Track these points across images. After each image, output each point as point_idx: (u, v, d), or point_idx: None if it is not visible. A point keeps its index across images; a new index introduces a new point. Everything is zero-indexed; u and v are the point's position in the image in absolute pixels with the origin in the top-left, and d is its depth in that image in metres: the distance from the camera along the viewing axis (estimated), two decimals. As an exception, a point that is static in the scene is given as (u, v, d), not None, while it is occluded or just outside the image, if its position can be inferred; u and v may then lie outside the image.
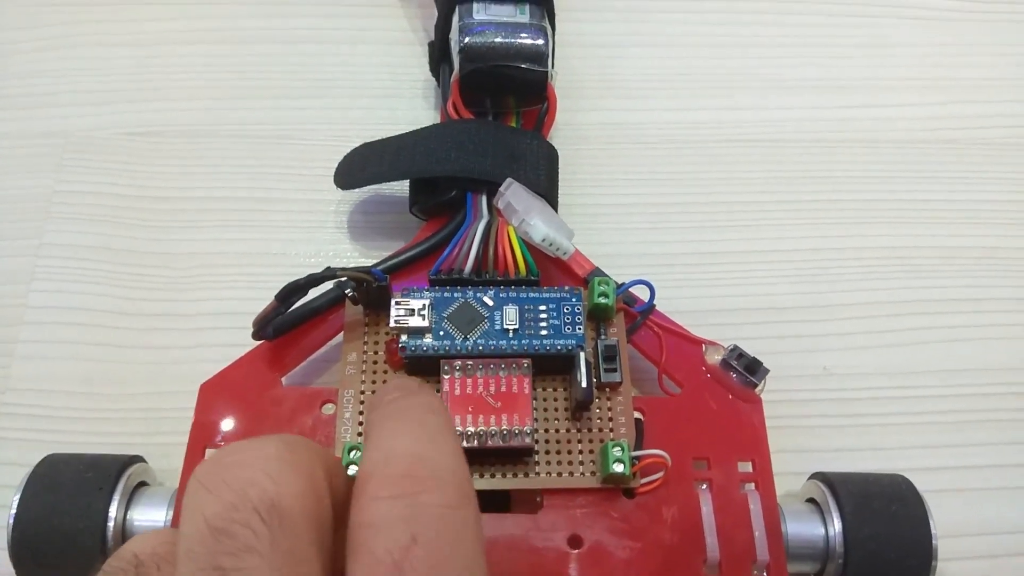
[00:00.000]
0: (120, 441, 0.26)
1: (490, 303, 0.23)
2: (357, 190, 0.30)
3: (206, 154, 0.31)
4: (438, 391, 0.22)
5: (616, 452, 0.22)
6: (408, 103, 0.32)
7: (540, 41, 0.27)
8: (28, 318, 0.28)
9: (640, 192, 0.31)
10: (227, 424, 0.23)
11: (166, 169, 0.30)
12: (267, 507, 0.14)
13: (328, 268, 0.23)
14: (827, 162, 0.32)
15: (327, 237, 0.30)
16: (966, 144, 0.33)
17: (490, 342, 0.23)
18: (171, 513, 0.22)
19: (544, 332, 0.23)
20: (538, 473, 0.22)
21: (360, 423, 0.22)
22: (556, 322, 0.23)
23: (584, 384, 0.22)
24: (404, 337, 0.23)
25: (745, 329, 0.28)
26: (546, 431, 0.23)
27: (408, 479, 0.14)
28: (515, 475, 0.22)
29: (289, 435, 0.16)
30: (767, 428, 0.24)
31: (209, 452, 0.23)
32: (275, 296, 0.23)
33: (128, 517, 0.22)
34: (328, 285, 0.24)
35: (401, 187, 0.29)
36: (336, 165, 0.28)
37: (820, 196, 0.31)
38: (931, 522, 0.22)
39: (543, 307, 0.23)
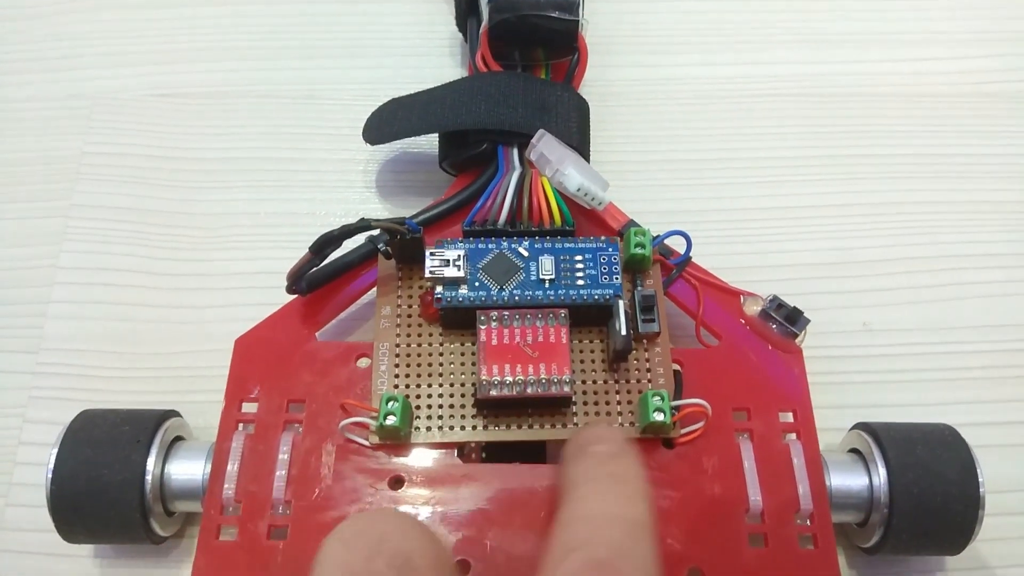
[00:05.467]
0: (153, 399, 0.25)
1: (525, 254, 0.23)
2: (386, 148, 0.30)
3: (234, 115, 0.31)
4: (475, 343, 0.22)
5: (656, 401, 0.21)
6: (435, 60, 0.32)
7: (571, -10, 0.26)
8: (60, 278, 0.28)
9: (672, 148, 0.30)
10: (263, 378, 0.23)
11: (194, 130, 0.30)
12: (402, 561, 0.14)
13: (362, 219, 0.22)
14: (864, 116, 0.31)
15: (356, 196, 0.29)
16: (1006, 97, 0.32)
17: (526, 292, 0.22)
18: (208, 467, 0.22)
19: (581, 282, 0.23)
20: (576, 424, 0.22)
21: (396, 375, 0.22)
22: (593, 272, 0.23)
23: (623, 332, 0.21)
24: (439, 288, 0.22)
25: (781, 285, 0.27)
26: (583, 382, 0.22)
27: (608, 571, 0.15)
28: (553, 426, 0.22)
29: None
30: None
31: (247, 408, 0.23)
32: (309, 248, 0.22)
33: (166, 471, 0.22)
34: (361, 239, 0.23)
35: (430, 145, 0.29)
36: (364, 123, 0.28)
37: (857, 151, 0.31)
38: (977, 467, 0.22)
39: (579, 257, 0.23)
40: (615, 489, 0.17)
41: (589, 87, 0.29)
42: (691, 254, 0.24)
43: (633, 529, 0.16)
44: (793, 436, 0.23)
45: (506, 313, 0.22)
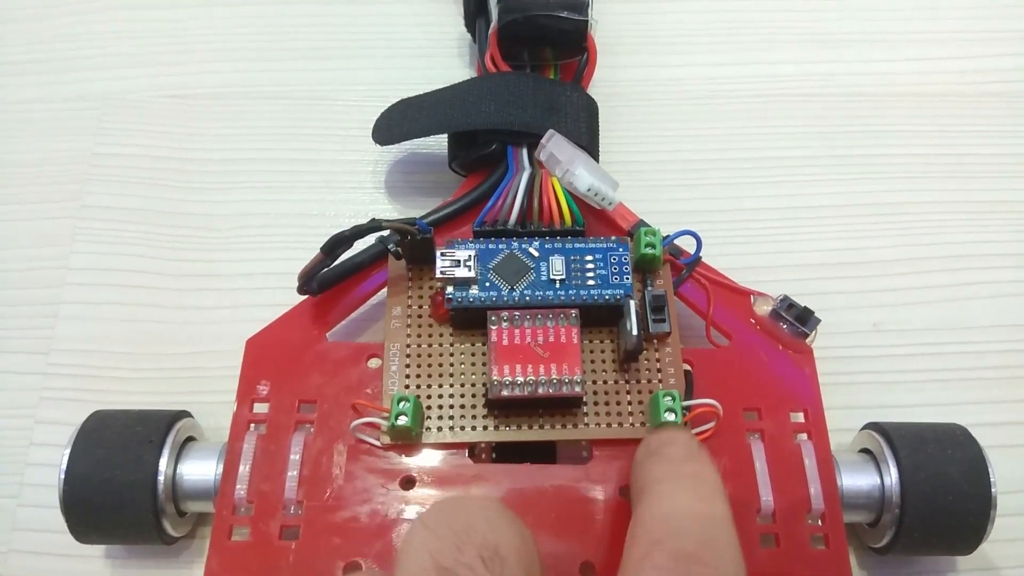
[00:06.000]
0: (164, 400, 0.26)
1: (536, 254, 0.23)
2: (395, 149, 0.30)
3: (243, 115, 0.31)
4: (485, 342, 0.22)
5: (667, 401, 0.21)
6: (444, 61, 0.32)
7: (580, -10, 0.26)
8: (70, 279, 0.28)
9: (679, 148, 0.30)
10: (274, 378, 0.23)
11: (203, 131, 0.30)
12: (490, 553, 0.14)
13: (373, 219, 0.22)
14: (872, 116, 0.31)
15: (365, 197, 0.29)
16: (1014, 97, 0.32)
17: (537, 293, 0.22)
18: (221, 467, 0.22)
19: (591, 282, 0.23)
20: (587, 424, 0.22)
21: (407, 375, 0.22)
22: (603, 272, 0.23)
23: (634, 332, 0.21)
24: (450, 289, 0.22)
25: (790, 286, 0.27)
26: (594, 382, 0.22)
27: (696, 563, 0.15)
28: (564, 426, 0.22)
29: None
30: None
31: (259, 408, 0.23)
32: (320, 248, 0.22)
33: (178, 471, 0.22)
34: (371, 240, 0.23)
35: (439, 146, 0.29)
36: (373, 124, 0.28)
37: (865, 151, 0.31)
38: (988, 465, 0.22)
39: (589, 257, 0.23)
40: (694, 487, 0.17)
41: (597, 87, 0.29)
42: (701, 254, 0.24)
43: (716, 523, 0.16)
44: (804, 436, 0.23)
45: (517, 313, 0.22)
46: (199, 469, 0.22)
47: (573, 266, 0.23)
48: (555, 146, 0.24)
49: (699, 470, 0.18)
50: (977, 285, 0.28)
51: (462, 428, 0.22)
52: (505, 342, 0.22)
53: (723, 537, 0.16)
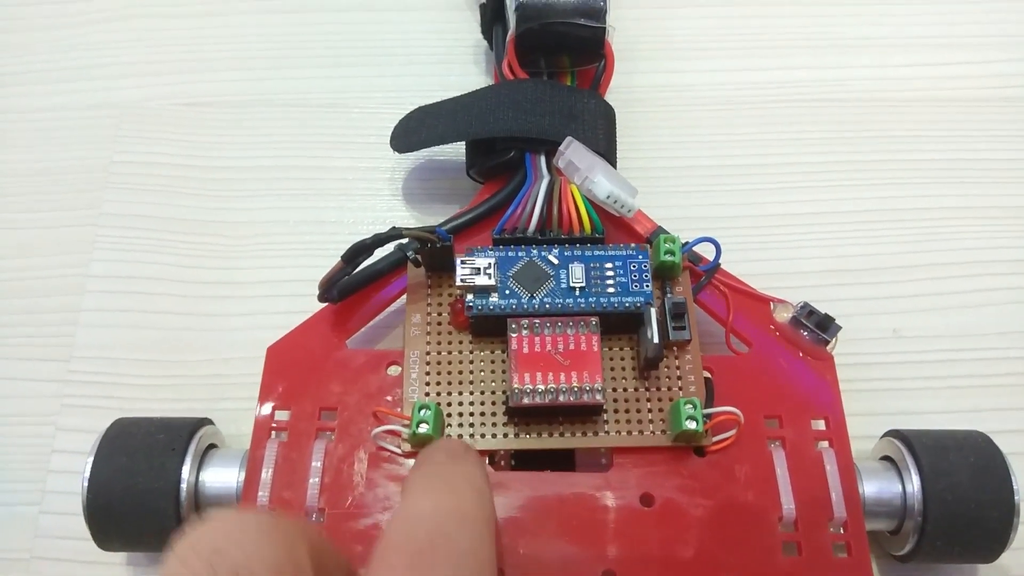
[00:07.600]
0: (185, 407, 0.26)
1: (555, 261, 0.23)
2: (412, 156, 0.30)
3: (260, 123, 0.31)
4: (505, 350, 0.22)
5: (688, 409, 0.21)
6: (460, 68, 0.32)
7: (597, -3, 0.26)
8: (90, 287, 0.28)
9: (698, 155, 0.30)
10: (295, 386, 0.23)
11: (221, 139, 0.31)
12: (247, 574, 0.14)
13: (394, 227, 0.22)
14: (889, 122, 0.31)
15: (383, 204, 0.29)
16: (1033, 102, 0.32)
17: (556, 300, 0.22)
18: (242, 475, 0.22)
19: (611, 290, 0.23)
20: (607, 432, 0.22)
21: (427, 383, 0.22)
22: (623, 279, 0.23)
23: (655, 340, 0.21)
24: (470, 296, 0.22)
25: (809, 292, 0.27)
26: (614, 390, 0.22)
27: (426, 555, 0.15)
28: (584, 434, 0.22)
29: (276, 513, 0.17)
30: (836, 391, 0.23)
31: (280, 416, 0.23)
32: (341, 257, 0.22)
33: (200, 479, 0.22)
34: (390, 247, 0.24)
35: (456, 152, 0.29)
36: (390, 131, 0.28)
37: (883, 156, 0.31)
38: (1011, 472, 0.21)
39: (609, 265, 0.23)
40: (442, 485, 0.17)
41: (614, 93, 0.29)
42: (720, 261, 0.24)
43: (460, 519, 0.16)
44: (826, 444, 0.22)
45: (537, 321, 0.22)
46: (221, 476, 0.22)
47: (593, 273, 0.23)
48: (574, 153, 0.24)
49: (457, 470, 0.18)
50: (997, 291, 0.28)
51: (482, 436, 0.22)
52: (526, 350, 0.22)
53: (465, 532, 0.16)
